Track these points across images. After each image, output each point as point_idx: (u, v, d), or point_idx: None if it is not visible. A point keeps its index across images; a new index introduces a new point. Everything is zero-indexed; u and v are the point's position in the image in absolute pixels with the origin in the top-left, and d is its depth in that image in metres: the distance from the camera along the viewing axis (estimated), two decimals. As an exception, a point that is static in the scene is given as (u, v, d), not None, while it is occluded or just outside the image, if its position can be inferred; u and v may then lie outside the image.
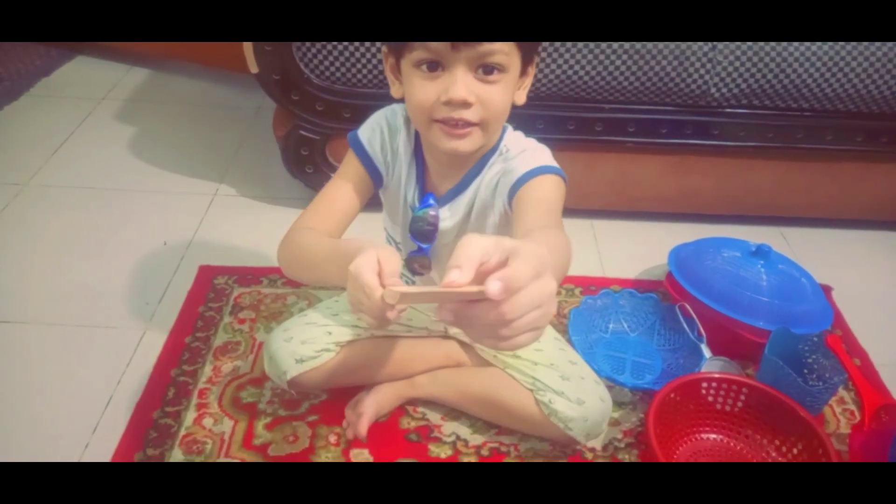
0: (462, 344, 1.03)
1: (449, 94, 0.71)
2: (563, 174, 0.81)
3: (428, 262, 0.88)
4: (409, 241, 0.89)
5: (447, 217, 0.86)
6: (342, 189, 0.86)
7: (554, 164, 0.82)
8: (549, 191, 0.78)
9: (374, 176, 0.88)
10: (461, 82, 0.71)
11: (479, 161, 0.84)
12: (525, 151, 0.82)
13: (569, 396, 0.90)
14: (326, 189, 0.87)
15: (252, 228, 1.43)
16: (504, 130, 0.85)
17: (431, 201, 0.85)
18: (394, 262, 0.60)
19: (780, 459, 0.97)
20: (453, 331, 1.02)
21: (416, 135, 0.85)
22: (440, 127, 0.75)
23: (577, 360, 0.96)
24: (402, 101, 0.82)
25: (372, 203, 0.93)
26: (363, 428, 0.96)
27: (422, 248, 0.86)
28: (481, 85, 0.73)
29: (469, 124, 0.74)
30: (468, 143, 0.75)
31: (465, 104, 0.72)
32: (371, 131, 0.87)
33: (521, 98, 0.79)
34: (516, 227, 0.76)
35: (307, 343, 0.93)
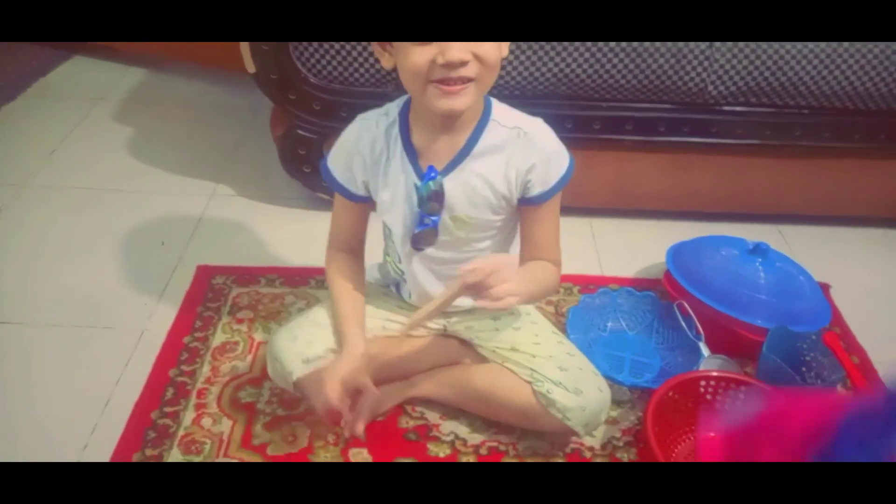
0: (461, 342, 1.03)
1: (447, 58, 0.74)
2: (572, 164, 0.90)
3: (435, 234, 0.90)
4: (411, 227, 0.90)
5: (451, 187, 0.87)
6: (344, 210, 0.97)
7: (564, 156, 0.90)
8: (557, 210, 0.93)
9: (359, 199, 0.94)
10: (456, 44, 0.74)
11: (474, 132, 0.86)
12: (543, 151, 0.88)
13: (567, 386, 0.90)
14: (334, 209, 0.98)
15: (250, 228, 1.43)
16: (489, 102, 0.88)
17: (433, 173, 0.86)
18: (353, 369, 0.87)
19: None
20: (452, 329, 1.02)
21: (400, 121, 0.88)
22: (435, 87, 0.77)
23: (574, 352, 0.97)
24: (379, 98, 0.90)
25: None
26: (360, 426, 0.96)
27: (432, 220, 0.89)
28: (473, 42, 0.75)
29: (466, 80, 0.76)
30: (462, 100, 0.78)
31: (463, 63, 0.75)
32: (337, 159, 0.92)
33: (504, 51, 0.81)
34: (525, 238, 0.94)
35: (313, 343, 0.94)
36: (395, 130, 0.88)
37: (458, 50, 0.73)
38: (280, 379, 0.96)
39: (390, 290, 1.05)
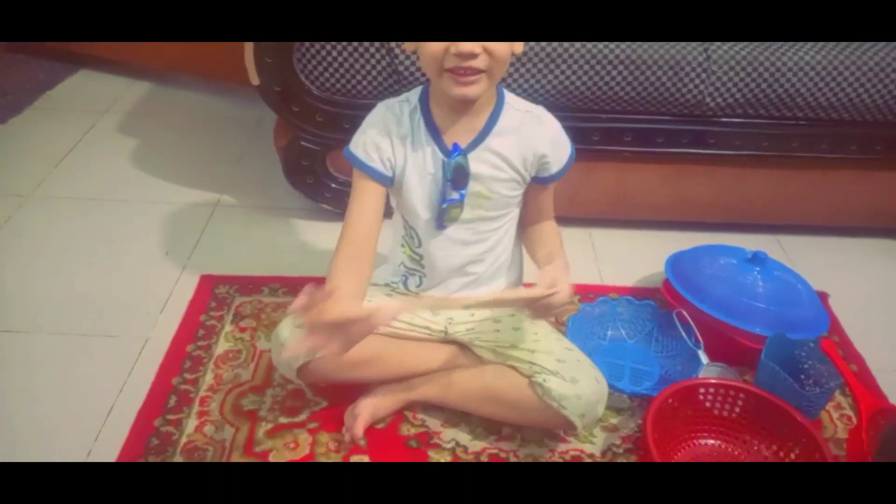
0: (461, 347, 1.04)
1: (459, 48, 0.79)
2: (573, 148, 0.98)
3: (461, 207, 0.95)
4: (436, 205, 0.94)
5: (474, 164, 0.92)
6: (357, 210, 0.93)
7: (566, 138, 0.98)
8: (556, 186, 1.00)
9: (382, 179, 0.94)
10: None
11: (492, 114, 0.92)
12: (552, 132, 0.96)
13: (563, 375, 0.93)
14: (347, 214, 0.94)
15: (253, 238, 1.44)
16: (502, 89, 0.94)
17: (459, 149, 0.91)
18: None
19: (778, 464, 0.97)
20: (452, 332, 1.04)
21: (421, 106, 0.92)
22: (450, 76, 0.83)
23: (573, 348, 0.99)
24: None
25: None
26: (359, 429, 0.97)
27: (460, 194, 0.93)
28: None
29: (477, 71, 0.82)
30: (475, 88, 0.84)
31: (473, 55, 0.80)
32: (363, 141, 0.93)
33: (518, 48, 0.86)
34: (529, 206, 1.01)
35: None
36: (418, 114, 0.92)
37: (469, 42, 0.78)
38: (284, 366, 0.97)
39: (395, 285, 1.07)
